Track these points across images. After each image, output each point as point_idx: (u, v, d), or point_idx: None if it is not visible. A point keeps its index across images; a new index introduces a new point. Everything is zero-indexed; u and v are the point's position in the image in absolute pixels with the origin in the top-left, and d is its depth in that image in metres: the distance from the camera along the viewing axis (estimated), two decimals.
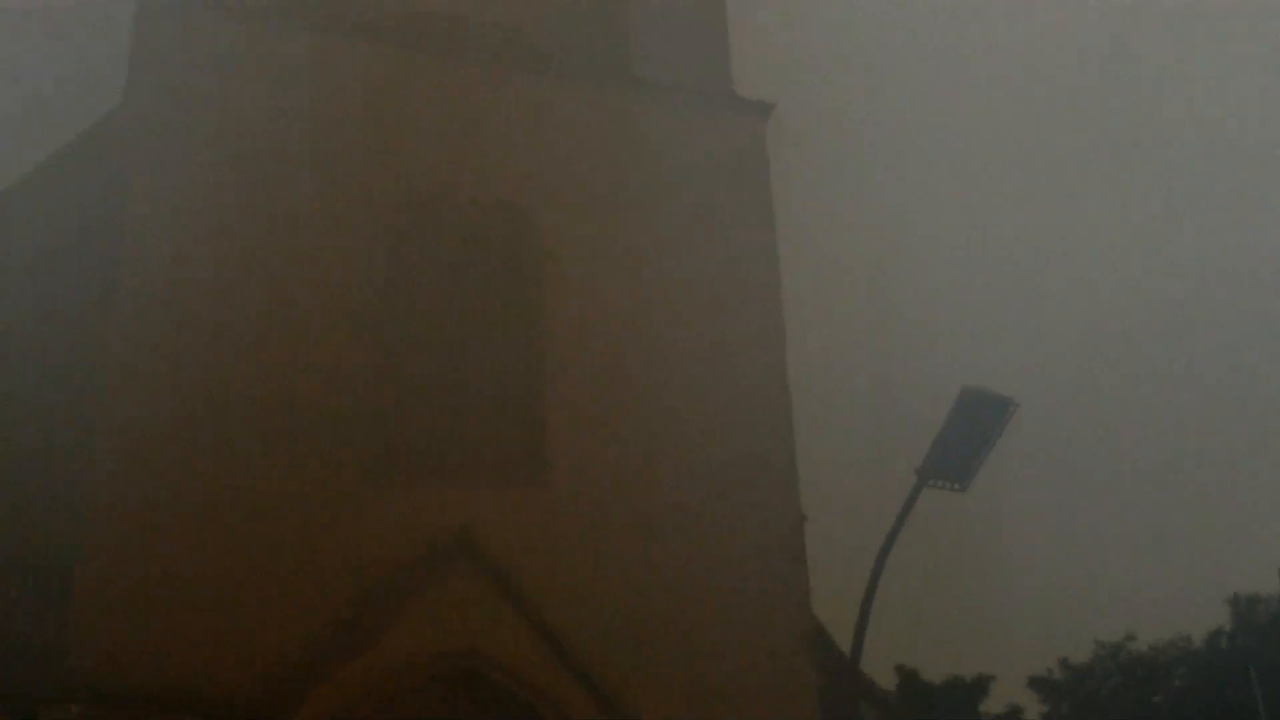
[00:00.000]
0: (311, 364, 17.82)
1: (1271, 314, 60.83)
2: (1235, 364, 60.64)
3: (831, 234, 54.10)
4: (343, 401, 17.70)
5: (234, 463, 16.97)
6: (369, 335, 18.19)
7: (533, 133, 20.02)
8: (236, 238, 18.07)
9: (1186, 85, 64.77)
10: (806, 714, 18.08)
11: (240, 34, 19.07)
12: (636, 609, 17.88)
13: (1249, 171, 64.66)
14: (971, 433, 11.28)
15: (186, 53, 18.77)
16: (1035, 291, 64.04)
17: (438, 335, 18.70)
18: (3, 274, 20.04)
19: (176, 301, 17.54)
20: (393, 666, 16.49)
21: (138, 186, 18.00)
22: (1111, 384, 61.44)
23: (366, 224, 18.76)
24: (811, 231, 43.70)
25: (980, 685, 35.34)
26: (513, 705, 16.93)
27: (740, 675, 17.95)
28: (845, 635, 25.77)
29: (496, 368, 18.81)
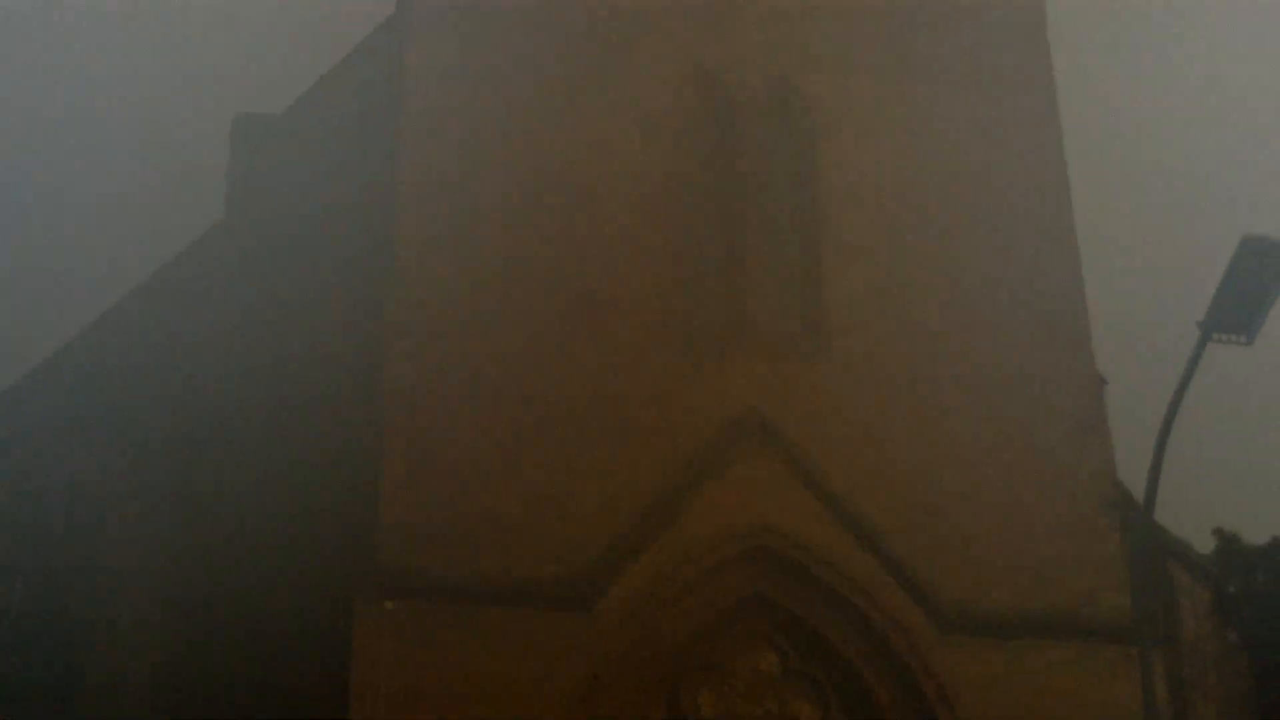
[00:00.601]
0: (597, 247, 18.39)
1: None
2: None
3: (1111, 83, 51.73)
4: (628, 283, 18.26)
5: (530, 349, 17.71)
6: (657, 217, 18.69)
7: (803, 3, 20.03)
8: (515, 126, 18.72)
9: None
10: (1114, 583, 17.97)
11: None
12: (929, 480, 18.05)
13: None
14: (1255, 283, 11.05)
15: None
16: None
17: (720, 214, 19.05)
18: (275, 184, 21.03)
19: (467, 189, 18.30)
20: (694, 547, 17.08)
21: (416, 84, 18.74)
22: None
23: (646, 99, 19.20)
24: (1092, 84, 42.25)
25: None
26: (810, 581, 17.38)
27: (1041, 545, 18.01)
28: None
29: (776, 242, 19.09)
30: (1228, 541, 33.96)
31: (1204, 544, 31.46)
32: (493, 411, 17.31)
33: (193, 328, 20.64)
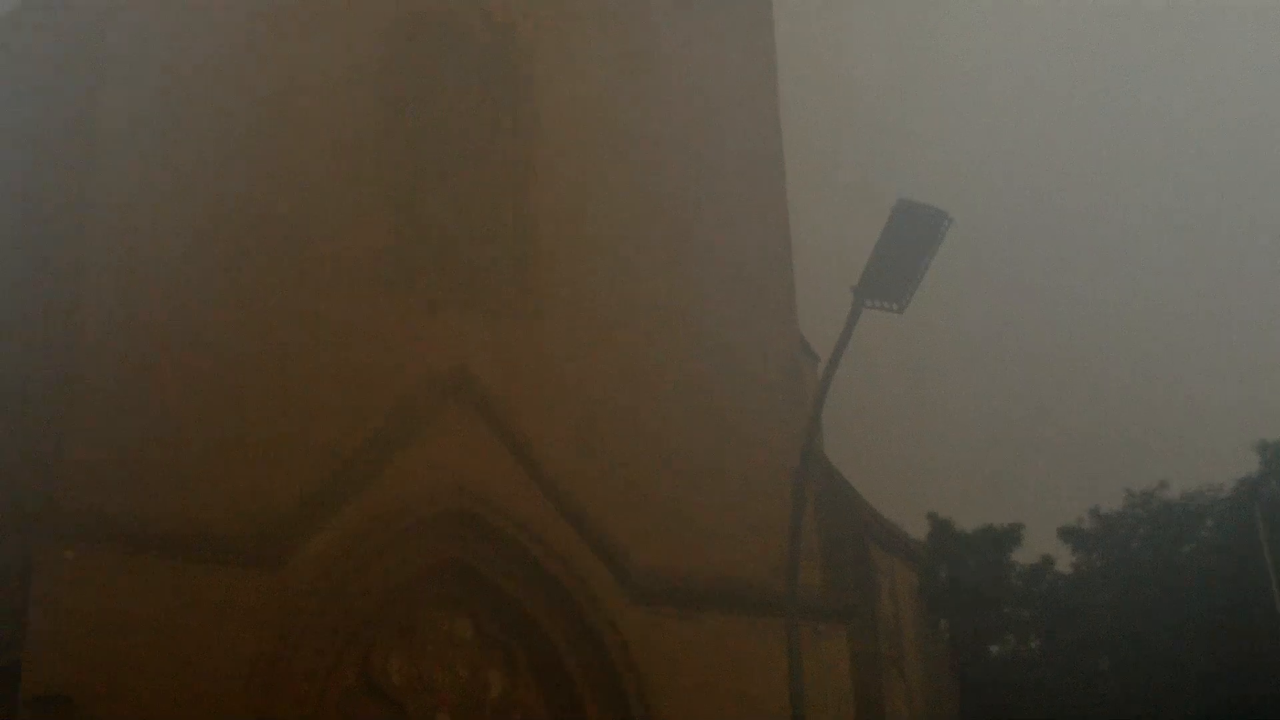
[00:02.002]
0: (301, 187, 17.74)
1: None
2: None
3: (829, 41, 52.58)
4: (335, 227, 17.67)
5: (230, 293, 16.97)
6: (362, 160, 18.11)
7: None
8: (224, 60, 17.86)
9: None
10: (813, 559, 18.30)
11: None
12: (632, 447, 18.17)
13: None
14: (908, 249, 11.29)
15: None
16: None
17: (430, 161, 18.66)
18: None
19: (163, 128, 17.32)
20: (390, 508, 16.75)
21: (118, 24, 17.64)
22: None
23: (357, 42, 18.56)
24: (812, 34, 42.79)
25: (1012, 534, 35.44)
26: (506, 546, 17.24)
27: (737, 517, 18.28)
28: (861, 478, 26.13)
29: (486, 194, 18.80)
30: (940, 527, 35.23)
31: (919, 529, 32.68)
32: (190, 356, 16.57)
33: None
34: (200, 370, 16.57)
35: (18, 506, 15.84)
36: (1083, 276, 59.63)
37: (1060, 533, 36.35)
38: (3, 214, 19.10)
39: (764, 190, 20.19)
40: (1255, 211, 60.95)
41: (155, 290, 16.68)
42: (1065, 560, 35.75)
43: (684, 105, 20.02)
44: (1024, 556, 35.57)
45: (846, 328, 11.60)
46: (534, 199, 18.91)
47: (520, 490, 17.38)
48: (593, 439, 18.00)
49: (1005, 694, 28.08)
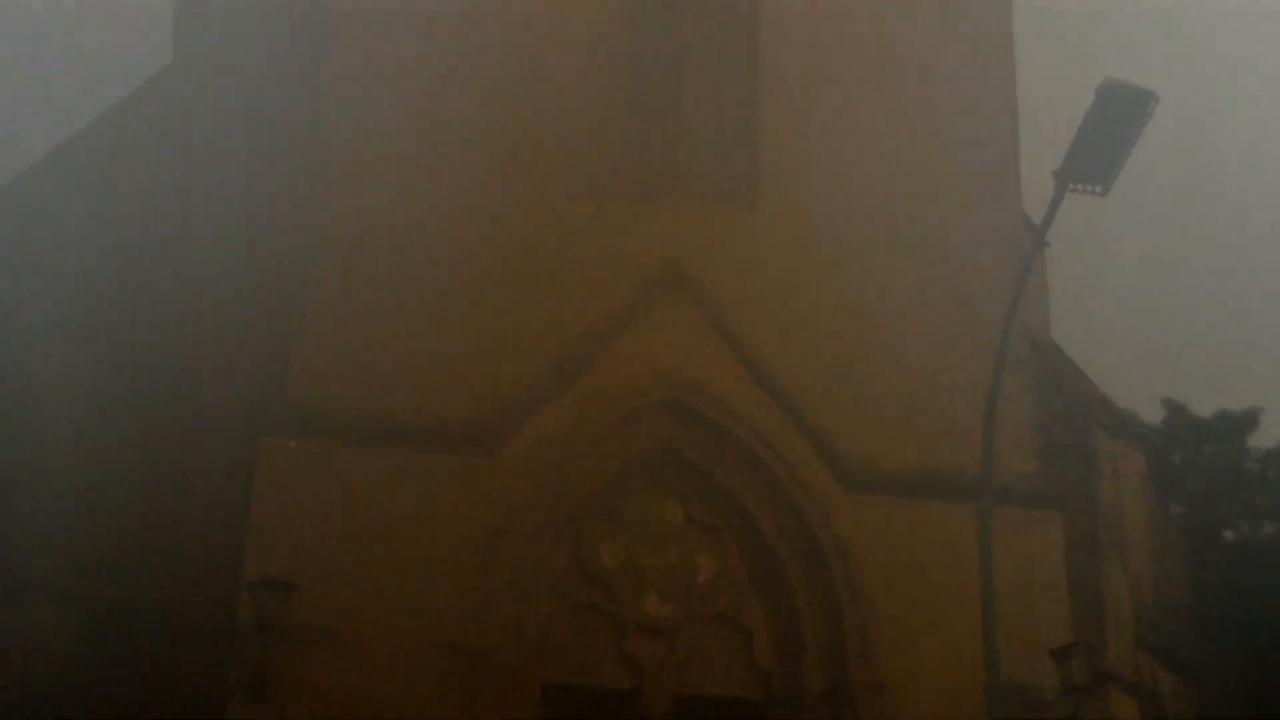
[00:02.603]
0: (532, 86, 18.17)
1: None
2: None
3: None
4: (565, 120, 18.08)
5: (453, 191, 17.58)
6: (590, 58, 18.44)
7: None
8: None
9: None
10: (1015, 444, 17.86)
11: None
12: (847, 336, 18.05)
13: None
14: (1113, 130, 10.89)
15: None
16: None
17: (649, 51, 18.83)
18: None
19: (395, 25, 18.03)
20: (605, 397, 17.12)
21: None
22: None
23: None
24: None
25: (1250, 418, 34.41)
26: (717, 433, 17.43)
27: (952, 403, 17.85)
28: (1094, 365, 25.54)
29: (708, 85, 18.88)
30: (1175, 412, 34.25)
31: (1152, 414, 31.80)
32: (412, 254, 17.24)
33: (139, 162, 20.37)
34: (421, 266, 17.19)
35: (244, 400, 16.54)
36: None
37: None
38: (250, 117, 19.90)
39: (992, 88, 19.60)
40: None
41: (382, 194, 17.40)
42: None
43: (910, 5, 19.58)
44: (1262, 441, 34.49)
45: (1049, 211, 11.36)
46: (759, 90, 18.86)
47: (732, 380, 17.48)
48: (806, 329, 17.94)
49: (1239, 579, 27.41)
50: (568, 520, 17.00)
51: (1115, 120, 10.93)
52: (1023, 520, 17.28)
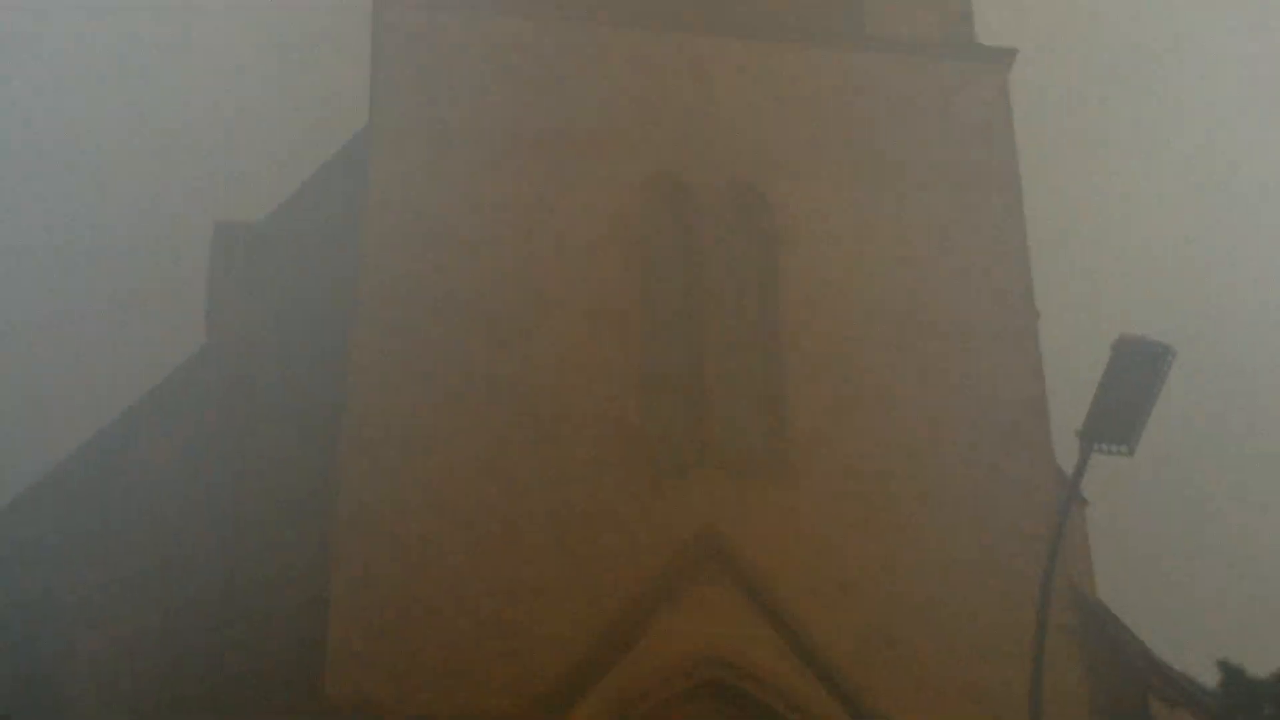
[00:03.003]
0: (558, 358, 18.28)
1: None
2: None
3: (1076, 189, 51.28)
4: (588, 397, 18.11)
5: (488, 465, 17.53)
6: (613, 328, 18.58)
7: (765, 102, 20.03)
8: (481, 233, 18.71)
9: None
10: (1073, 713, 17.51)
11: (474, 28, 19.72)
12: (888, 604, 17.76)
13: None
14: (1133, 387, 10.75)
15: (424, 54, 19.52)
16: None
17: (678, 322, 19.03)
18: (255, 296, 21.26)
19: (422, 302, 18.23)
20: (648, 679, 16.80)
21: (380, 193, 18.75)
22: None
23: (606, 203, 19.12)
24: (1058, 187, 41.97)
25: None
26: (765, 714, 17.04)
27: (999, 672, 17.46)
28: (1144, 626, 24.87)
29: (735, 355, 18.96)
30: (1232, 674, 33.04)
31: (1209, 676, 30.70)
32: (448, 531, 17.14)
33: (171, 453, 20.69)
34: (455, 554, 17.08)
35: (287, 693, 16.45)
36: None
37: None
38: (288, 399, 20.13)
39: (1017, 343, 19.59)
40: None
41: (417, 469, 17.39)
42: None
43: (932, 264, 19.74)
44: None
45: (1076, 473, 11.14)
46: (783, 358, 18.90)
47: (776, 655, 17.18)
48: (849, 599, 17.70)
49: None
50: None
51: (1134, 376, 10.86)
52: None
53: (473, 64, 19.53)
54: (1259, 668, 33.35)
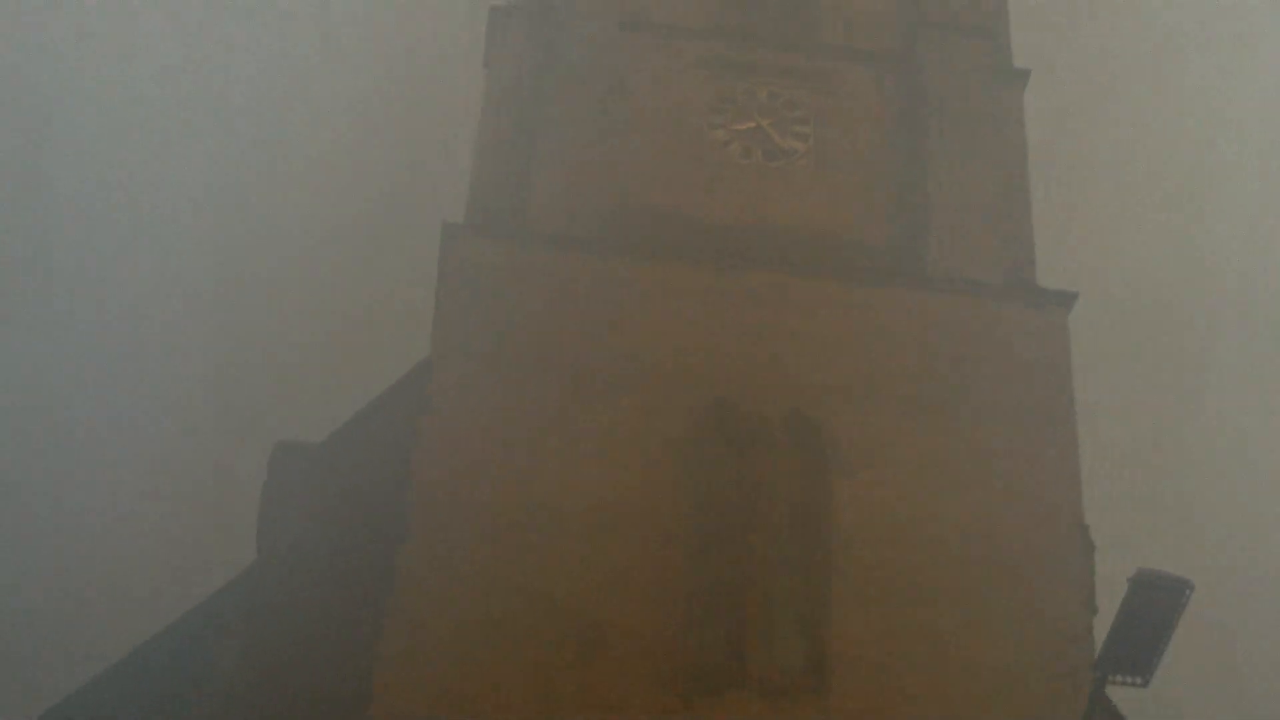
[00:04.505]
0: (603, 579, 18.41)
1: None
2: None
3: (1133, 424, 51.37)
4: (630, 617, 18.21)
5: (526, 682, 17.62)
6: (660, 550, 18.73)
7: (824, 337, 20.39)
8: (535, 459, 19.09)
9: None
10: None
11: (539, 262, 20.50)
12: None
13: None
14: (1149, 621, 10.87)
15: (487, 285, 20.23)
16: None
17: (727, 548, 19.12)
18: (307, 514, 21.69)
19: (471, 523, 18.53)
20: None
21: (437, 415, 19.26)
22: None
23: (663, 434, 19.46)
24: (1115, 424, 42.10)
25: None
26: None
27: None
28: None
29: (785, 580, 19.04)
30: None
31: None
32: None
33: (218, 665, 21.01)
34: None
35: None
36: None
37: None
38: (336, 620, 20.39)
39: (1068, 575, 19.50)
40: None
41: (454, 685, 17.53)
42: None
43: (985, 495, 19.78)
44: None
45: (1090, 706, 11.18)
46: (829, 583, 18.95)
47: None
48: None
49: None
50: None
51: (1152, 609, 10.97)
52: None
53: (535, 295, 20.17)
54: None
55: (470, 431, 19.24)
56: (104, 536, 43.99)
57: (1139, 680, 11.16)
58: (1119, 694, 11.23)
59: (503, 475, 18.94)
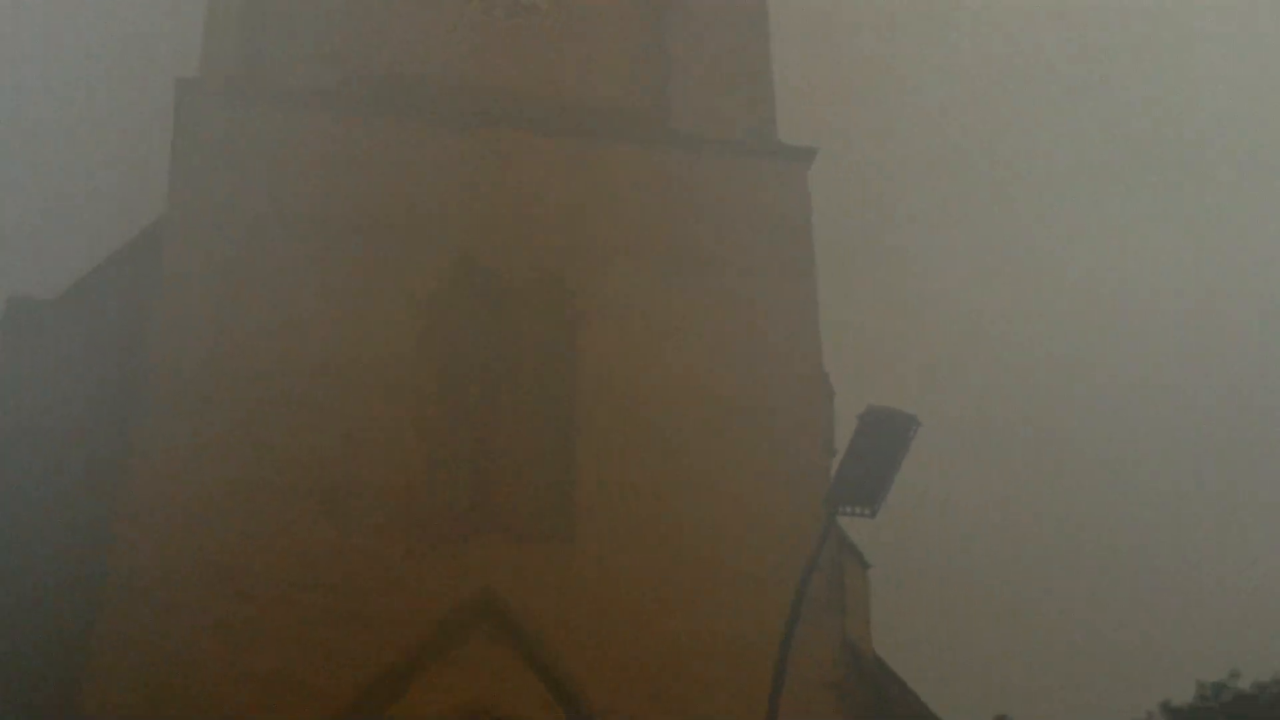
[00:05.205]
0: (349, 433, 18.61)
1: None
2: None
3: (871, 281, 53.73)
4: (378, 470, 18.48)
5: (269, 531, 17.79)
6: (407, 404, 18.96)
7: (570, 196, 20.64)
8: (278, 314, 19.04)
9: None
10: None
11: (277, 118, 20.20)
12: (663, 668, 18.35)
13: None
14: (878, 454, 11.62)
15: (225, 143, 19.87)
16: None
17: (474, 402, 19.46)
18: (39, 381, 21.08)
19: (214, 380, 18.46)
20: None
21: (174, 277, 19.04)
22: None
23: (409, 292, 19.54)
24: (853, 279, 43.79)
25: None
26: None
27: None
28: (925, 684, 25.90)
29: (531, 431, 19.50)
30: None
31: None
32: (218, 590, 17.31)
33: None
34: (229, 605, 17.25)
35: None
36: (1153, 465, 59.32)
37: None
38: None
39: (807, 421, 20.43)
40: None
41: (196, 533, 17.56)
42: None
43: (727, 346, 20.50)
44: None
45: (820, 537, 11.88)
46: (575, 433, 19.49)
47: (542, 708, 17.64)
48: (625, 661, 18.24)
49: None
50: None
51: (880, 445, 11.70)
52: None
53: (271, 152, 19.89)
54: None
55: (207, 289, 19.00)
56: None
57: (867, 511, 11.93)
58: (851, 525, 11.88)
59: (242, 333, 18.82)
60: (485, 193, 20.42)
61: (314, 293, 19.30)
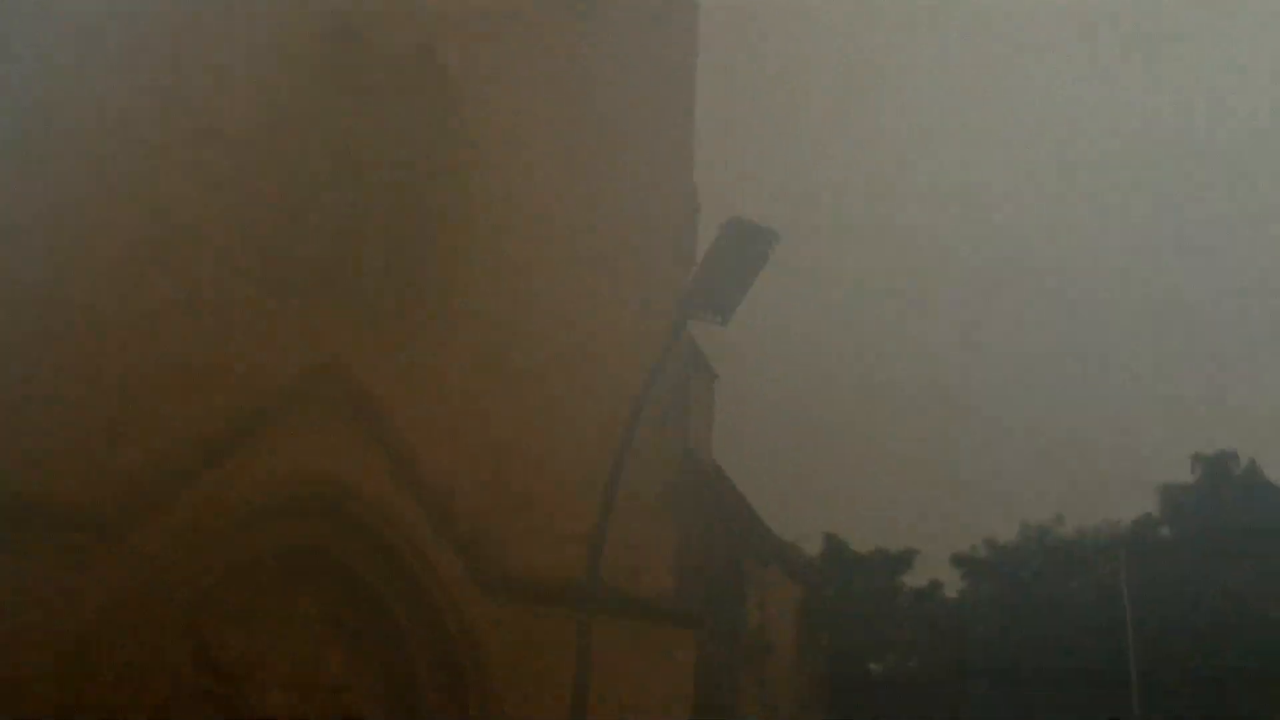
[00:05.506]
0: (202, 184, 17.60)
1: None
2: None
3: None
4: (233, 227, 17.61)
5: (109, 277, 16.81)
6: (269, 165, 18.03)
7: None
8: (136, 59, 17.70)
9: None
10: (667, 564, 18.60)
11: None
12: (506, 447, 18.20)
13: None
14: (735, 264, 11.41)
15: None
16: None
17: (344, 172, 18.64)
18: None
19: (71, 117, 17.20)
20: (244, 490, 16.62)
21: None
22: None
23: (277, 55, 18.41)
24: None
25: (904, 559, 35.85)
26: (360, 529, 17.26)
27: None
28: (760, 497, 26.38)
29: (397, 209, 18.84)
30: (835, 546, 35.48)
31: (815, 546, 33.01)
32: (62, 335, 16.44)
33: None
34: (70, 350, 16.42)
35: None
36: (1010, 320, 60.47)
37: (952, 559, 36.90)
38: None
39: (671, 228, 20.25)
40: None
41: (29, 262, 16.49)
42: (954, 586, 36.30)
43: (598, 142, 20.06)
44: (915, 581, 36.09)
45: (670, 338, 11.68)
46: (439, 213, 18.95)
47: (379, 479, 17.37)
48: (469, 438, 18.04)
49: (878, 708, 28.33)
50: (191, 611, 16.38)
51: (739, 255, 11.44)
52: (655, 635, 17.76)
53: None
54: (861, 545, 35.95)
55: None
56: None
57: (719, 319, 11.73)
58: (704, 336, 11.66)
59: (107, 84, 17.45)
60: None
61: (188, 54, 18.05)
